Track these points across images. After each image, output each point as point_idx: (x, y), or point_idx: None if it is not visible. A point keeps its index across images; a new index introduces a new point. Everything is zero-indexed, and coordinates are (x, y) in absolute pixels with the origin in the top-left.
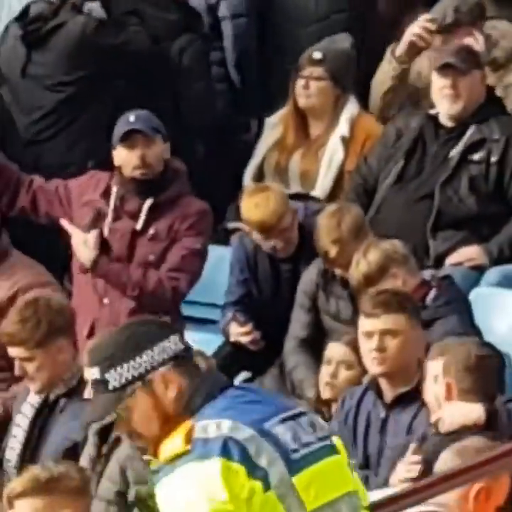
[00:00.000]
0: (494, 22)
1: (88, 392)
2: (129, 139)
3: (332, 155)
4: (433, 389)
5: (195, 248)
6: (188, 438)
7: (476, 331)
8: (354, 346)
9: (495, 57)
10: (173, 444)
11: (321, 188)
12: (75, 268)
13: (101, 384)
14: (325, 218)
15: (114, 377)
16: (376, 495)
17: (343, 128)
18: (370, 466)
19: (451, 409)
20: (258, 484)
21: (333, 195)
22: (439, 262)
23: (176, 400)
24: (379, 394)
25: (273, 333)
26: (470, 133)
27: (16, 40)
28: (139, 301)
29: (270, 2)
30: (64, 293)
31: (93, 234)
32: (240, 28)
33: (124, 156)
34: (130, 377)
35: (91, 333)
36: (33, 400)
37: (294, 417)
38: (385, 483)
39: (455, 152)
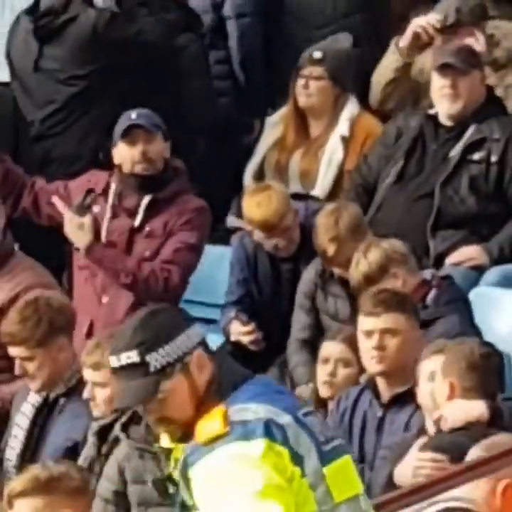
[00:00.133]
0: (497, 22)
1: (87, 392)
2: (130, 134)
3: (332, 154)
4: (428, 388)
5: (190, 242)
6: (226, 421)
7: (476, 331)
8: (350, 343)
9: (496, 58)
10: (209, 427)
11: (320, 187)
12: (75, 265)
13: (140, 367)
14: (323, 217)
15: (156, 359)
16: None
17: (342, 127)
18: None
19: (453, 406)
20: (297, 470)
21: (333, 195)
22: (438, 262)
23: (208, 383)
24: (376, 394)
25: (273, 332)
26: (470, 132)
27: (28, 34)
28: (131, 290)
29: (280, 2)
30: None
31: (89, 218)
32: (245, 27)
33: (124, 153)
34: (171, 360)
35: (90, 332)
36: (33, 399)
37: (311, 413)
38: (380, 480)
39: (455, 152)
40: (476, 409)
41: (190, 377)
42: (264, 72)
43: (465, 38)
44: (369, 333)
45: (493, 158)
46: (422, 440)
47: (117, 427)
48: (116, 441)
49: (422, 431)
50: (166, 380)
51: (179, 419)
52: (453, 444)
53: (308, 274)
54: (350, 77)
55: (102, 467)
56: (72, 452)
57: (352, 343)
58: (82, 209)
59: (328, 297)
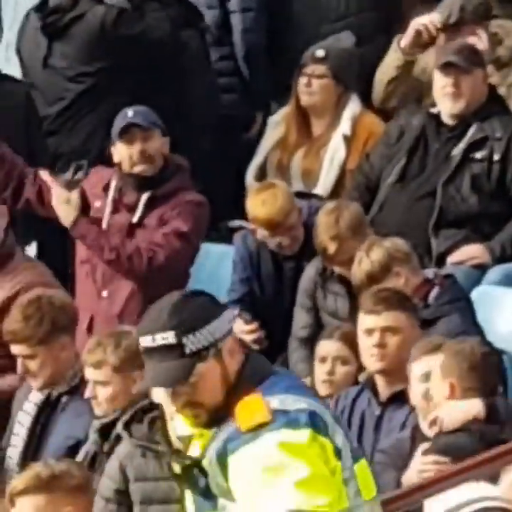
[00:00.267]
0: (501, 21)
1: (89, 391)
2: (127, 133)
3: (334, 153)
4: (421, 389)
5: (180, 229)
6: (269, 409)
7: (478, 330)
8: (347, 341)
9: (499, 56)
10: (251, 414)
11: (323, 186)
12: (77, 260)
13: (175, 349)
14: (323, 215)
15: (192, 342)
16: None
17: (345, 126)
18: None
19: (448, 407)
20: (339, 464)
21: (335, 194)
22: (441, 261)
23: (238, 370)
24: (374, 392)
25: (276, 331)
26: (472, 131)
27: (37, 31)
28: (116, 267)
29: None
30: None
31: (76, 194)
32: (249, 21)
33: (123, 152)
34: (207, 343)
35: (90, 327)
36: (35, 397)
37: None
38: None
39: (457, 150)
40: (474, 407)
41: (223, 363)
42: (268, 68)
43: (468, 36)
44: (370, 331)
45: (496, 157)
46: (425, 444)
47: (119, 425)
48: (118, 439)
49: (415, 430)
50: (200, 363)
51: (208, 404)
52: (455, 446)
53: (309, 273)
54: (353, 76)
55: (104, 465)
56: (74, 451)
57: (349, 341)
58: (71, 184)
59: (327, 295)
